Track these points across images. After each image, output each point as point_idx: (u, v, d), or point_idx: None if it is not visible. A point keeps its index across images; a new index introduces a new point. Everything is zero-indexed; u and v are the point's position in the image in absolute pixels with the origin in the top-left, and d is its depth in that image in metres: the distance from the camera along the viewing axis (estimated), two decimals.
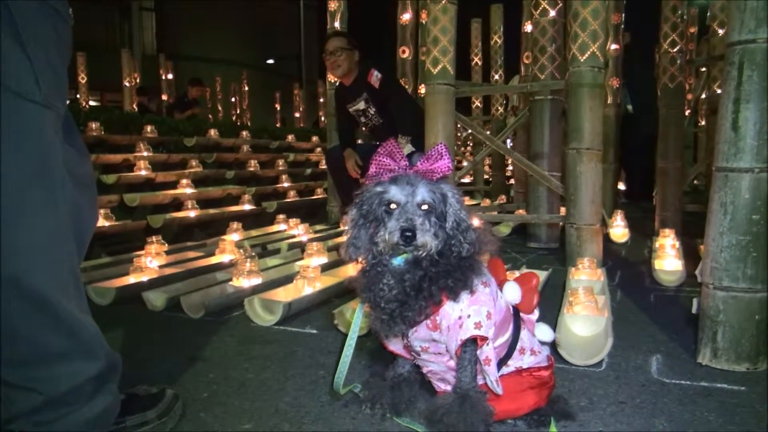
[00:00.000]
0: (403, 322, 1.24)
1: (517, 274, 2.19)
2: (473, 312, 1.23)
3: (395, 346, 1.41)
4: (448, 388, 1.36)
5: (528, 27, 5.27)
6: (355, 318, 1.40)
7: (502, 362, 1.33)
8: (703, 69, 5.84)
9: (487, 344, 1.26)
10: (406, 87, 5.29)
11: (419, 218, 1.18)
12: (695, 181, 6.85)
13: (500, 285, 1.38)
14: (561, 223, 3.66)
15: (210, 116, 11.22)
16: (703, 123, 7.15)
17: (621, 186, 6.69)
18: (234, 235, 3.73)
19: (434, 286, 1.22)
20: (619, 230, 3.94)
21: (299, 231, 3.93)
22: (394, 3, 5.51)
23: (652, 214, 4.37)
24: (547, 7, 3.58)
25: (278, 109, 12.78)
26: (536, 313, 1.41)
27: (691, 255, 3.14)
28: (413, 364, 1.45)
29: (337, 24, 4.56)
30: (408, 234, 1.16)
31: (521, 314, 1.40)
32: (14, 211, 1.01)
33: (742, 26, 1.61)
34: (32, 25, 1.04)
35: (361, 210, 1.26)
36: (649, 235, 3.98)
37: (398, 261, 1.24)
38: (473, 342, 1.25)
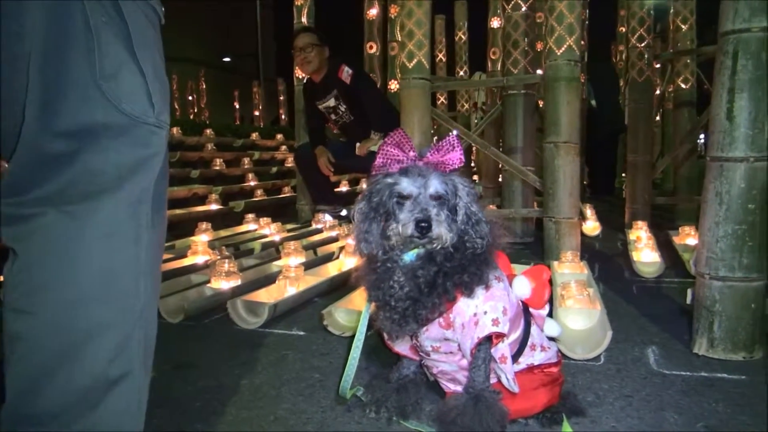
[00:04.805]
0: (415, 321, 1.19)
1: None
2: (489, 308, 1.18)
3: (401, 347, 1.35)
4: (459, 388, 1.31)
5: (495, 23, 5.26)
6: (362, 319, 1.33)
7: (513, 359, 1.29)
8: (658, 66, 5.98)
9: (503, 341, 1.21)
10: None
11: (435, 210, 1.13)
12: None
13: (508, 279, 1.34)
14: (535, 217, 3.67)
15: None
16: (658, 119, 7.31)
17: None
18: (203, 236, 3.60)
19: (449, 281, 1.17)
20: (591, 224, 3.97)
21: (271, 230, 3.82)
22: None
23: (618, 208, 4.44)
24: (520, 1, 3.57)
25: (237, 107, 12.53)
26: (547, 308, 1.37)
27: (663, 246, 3.18)
28: (418, 364, 1.40)
29: (304, 19, 4.46)
30: (423, 225, 1.11)
31: (531, 309, 1.36)
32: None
33: (736, 15, 1.61)
34: (140, 29, 0.88)
35: (371, 203, 1.19)
36: (618, 228, 4.03)
37: (410, 257, 1.19)
38: (488, 340, 1.20)
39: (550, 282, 2.41)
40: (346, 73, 3.93)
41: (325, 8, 5.27)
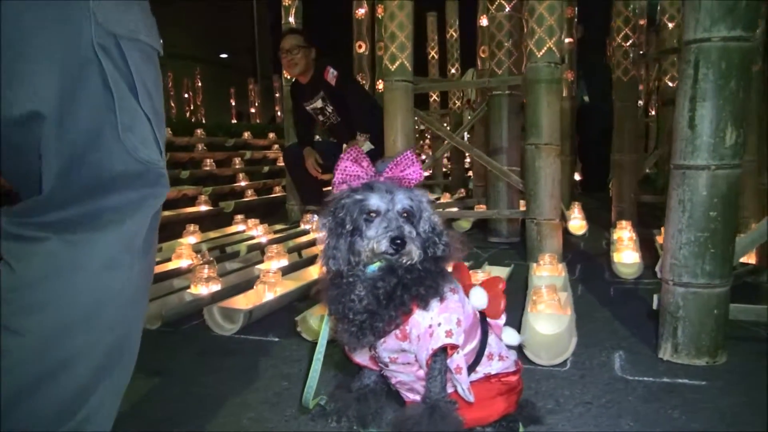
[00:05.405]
0: (372, 333, 1.21)
1: (480, 273, 2.20)
2: (443, 320, 1.21)
3: (361, 357, 1.38)
4: (417, 398, 1.33)
5: (483, 21, 5.26)
6: (323, 331, 1.36)
7: (470, 369, 1.32)
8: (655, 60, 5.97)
9: (458, 352, 1.24)
10: (363, 83, 5.24)
11: (406, 227, 1.16)
12: (647, 170, 6.99)
13: (466, 290, 1.36)
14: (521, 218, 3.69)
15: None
16: (653, 113, 7.32)
17: (576, 176, 6.79)
18: (191, 238, 3.62)
19: (407, 294, 1.19)
20: (577, 222, 3.99)
21: (258, 232, 3.85)
22: None
23: (607, 205, 4.45)
24: (503, 2, 3.57)
25: (233, 104, 12.53)
26: (503, 318, 1.40)
27: (647, 246, 3.20)
28: (379, 374, 1.43)
29: (291, 19, 4.47)
30: (398, 242, 1.14)
31: (488, 319, 1.38)
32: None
33: (697, 25, 1.62)
34: (141, 74, 0.91)
35: (337, 218, 1.22)
36: (605, 226, 4.04)
37: (372, 269, 1.21)
38: (443, 351, 1.23)
39: (526, 283, 2.45)
40: (331, 74, 3.95)
41: (313, 7, 5.27)
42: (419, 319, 1.23)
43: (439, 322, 1.22)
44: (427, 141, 9.38)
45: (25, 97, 0.82)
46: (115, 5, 0.88)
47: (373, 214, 1.19)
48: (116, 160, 0.88)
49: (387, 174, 1.23)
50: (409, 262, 1.19)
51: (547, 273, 2.58)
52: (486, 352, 1.34)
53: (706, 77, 1.62)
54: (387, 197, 1.19)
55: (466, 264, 2.80)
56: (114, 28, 0.87)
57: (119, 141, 0.88)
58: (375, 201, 1.19)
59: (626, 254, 2.97)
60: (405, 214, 1.20)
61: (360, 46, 5.32)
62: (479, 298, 1.35)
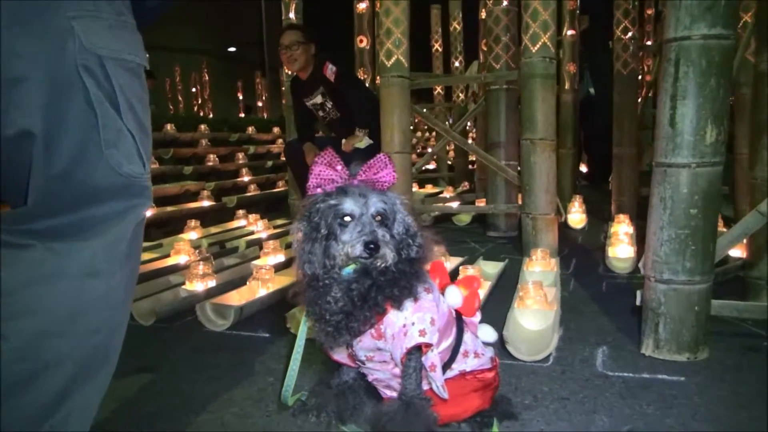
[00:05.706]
0: (348, 332, 1.24)
1: (470, 269, 2.22)
2: (417, 319, 1.23)
3: (339, 355, 1.40)
4: (394, 394, 1.36)
5: (485, 14, 5.25)
6: (300, 331, 1.39)
7: (446, 366, 1.34)
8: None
9: (432, 350, 1.26)
10: (365, 77, 5.25)
11: (380, 231, 1.18)
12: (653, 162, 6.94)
13: (442, 289, 1.38)
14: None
15: (171, 107, 10.98)
16: None
17: (583, 168, 6.78)
18: (192, 234, 3.67)
19: (381, 295, 1.22)
20: (577, 216, 4.00)
21: (259, 227, 3.89)
22: None
23: (610, 197, 4.45)
24: None
25: (241, 98, 12.57)
26: (478, 316, 1.42)
27: (644, 240, 3.19)
28: (357, 371, 1.46)
29: (292, 14, 4.48)
30: (372, 246, 1.16)
31: (464, 317, 1.41)
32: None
33: (678, 23, 1.63)
34: (123, 92, 0.94)
35: (312, 223, 1.24)
36: (606, 219, 4.04)
37: (347, 271, 1.24)
38: (418, 349, 1.25)
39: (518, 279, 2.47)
40: (330, 70, 3.95)
41: (314, 1, 5.27)
42: (393, 318, 1.25)
43: (413, 321, 1.24)
44: (433, 134, 9.38)
45: (18, 116, 0.86)
46: (99, 27, 0.92)
47: (348, 219, 1.21)
48: (100, 176, 0.92)
49: (361, 177, 1.25)
50: (383, 265, 1.21)
51: (540, 268, 2.60)
52: (461, 350, 1.37)
53: (687, 75, 1.63)
54: (361, 201, 1.22)
55: (459, 259, 2.84)
56: (98, 49, 0.90)
57: (103, 157, 0.92)
58: (349, 205, 1.21)
59: (621, 248, 2.97)
60: (379, 218, 1.22)
61: (361, 41, 5.33)
62: (454, 296, 1.38)
